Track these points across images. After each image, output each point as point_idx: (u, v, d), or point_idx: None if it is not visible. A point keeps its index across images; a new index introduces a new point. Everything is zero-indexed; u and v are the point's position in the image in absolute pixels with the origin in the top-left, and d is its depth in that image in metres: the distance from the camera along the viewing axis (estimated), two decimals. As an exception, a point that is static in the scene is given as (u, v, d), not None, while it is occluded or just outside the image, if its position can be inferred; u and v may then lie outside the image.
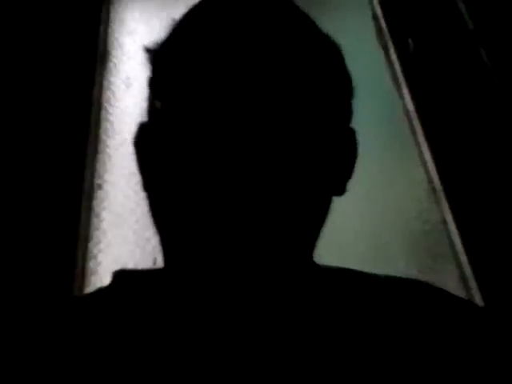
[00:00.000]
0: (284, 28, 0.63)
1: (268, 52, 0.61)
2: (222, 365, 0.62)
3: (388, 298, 0.67)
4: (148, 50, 0.66)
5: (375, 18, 3.58)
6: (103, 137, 3.03)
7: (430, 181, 2.93)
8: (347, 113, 0.67)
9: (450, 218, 2.77)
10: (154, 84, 0.65)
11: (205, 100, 0.60)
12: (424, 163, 3.00)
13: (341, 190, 0.67)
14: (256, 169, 0.59)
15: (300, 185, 0.61)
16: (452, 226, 2.74)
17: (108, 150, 2.98)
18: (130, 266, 2.50)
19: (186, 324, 0.63)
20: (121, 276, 0.69)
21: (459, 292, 2.49)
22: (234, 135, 0.59)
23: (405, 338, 0.65)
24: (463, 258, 2.64)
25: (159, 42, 0.66)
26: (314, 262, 0.67)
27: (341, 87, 0.65)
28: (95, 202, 2.78)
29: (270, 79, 0.60)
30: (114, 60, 3.37)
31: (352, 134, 0.67)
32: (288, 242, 0.62)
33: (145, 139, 0.66)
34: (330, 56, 0.65)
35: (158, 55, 0.65)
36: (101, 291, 0.68)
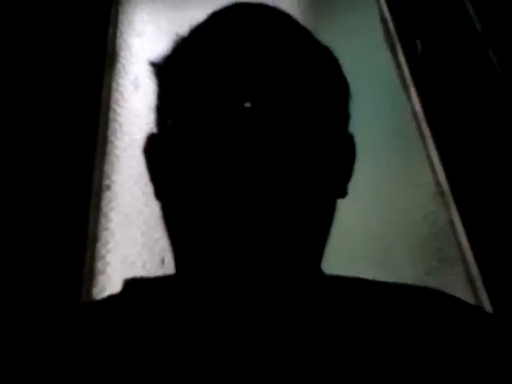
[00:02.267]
0: (285, 42, 0.66)
1: (271, 66, 0.63)
2: (233, 372, 0.62)
3: (397, 307, 0.67)
4: (154, 65, 0.68)
5: (383, 19, 3.58)
6: (111, 138, 3.03)
7: (438, 183, 2.92)
8: (345, 118, 0.69)
9: (457, 220, 2.76)
10: (163, 99, 0.67)
11: (212, 113, 0.62)
12: (432, 165, 2.99)
13: (342, 193, 0.68)
14: (263, 178, 0.60)
15: (304, 190, 0.62)
16: (459, 229, 2.74)
17: (116, 151, 2.98)
18: (138, 266, 2.51)
19: (197, 332, 0.64)
20: (132, 284, 0.69)
21: (467, 294, 2.48)
22: (241, 146, 0.61)
23: (415, 346, 0.65)
24: (471, 261, 2.64)
25: (165, 56, 0.67)
26: (322, 272, 0.67)
27: (338, 93, 0.68)
28: (103, 203, 2.79)
29: (274, 91, 0.63)
30: (123, 61, 3.38)
31: (350, 139, 0.69)
32: (298, 249, 0.62)
33: (155, 150, 0.67)
34: (327, 64, 0.68)
35: (164, 71, 0.67)
36: (111, 299, 0.69)
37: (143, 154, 0.69)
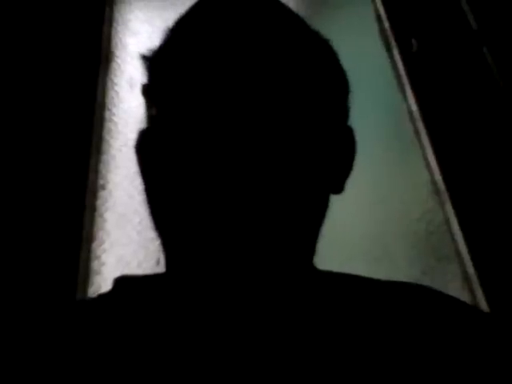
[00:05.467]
0: (277, 31, 0.63)
1: (262, 55, 0.61)
2: (224, 369, 0.62)
3: (389, 304, 0.67)
4: (144, 57, 0.67)
5: (378, 18, 3.58)
6: (107, 137, 3.03)
7: (434, 182, 2.93)
8: (343, 110, 0.67)
9: (453, 219, 2.77)
10: (150, 90, 0.66)
11: (201, 105, 0.60)
12: (427, 164, 2.99)
13: (339, 188, 0.67)
14: (253, 172, 0.59)
15: (297, 185, 0.61)
16: (456, 227, 2.74)
17: (111, 151, 2.98)
18: (134, 266, 2.50)
19: (187, 329, 0.63)
20: (122, 282, 0.69)
21: (463, 293, 2.48)
22: (230, 138, 0.59)
23: (406, 343, 0.64)
24: (467, 259, 2.64)
25: (155, 48, 0.67)
26: (314, 267, 0.67)
27: (336, 85, 0.66)
28: (99, 203, 2.78)
29: (265, 82, 0.60)
30: (118, 60, 3.37)
31: (349, 132, 0.67)
32: (288, 244, 0.62)
33: (145, 145, 0.66)
34: (323, 54, 0.66)
35: (153, 62, 0.66)
36: (102, 297, 0.68)
37: (134, 150, 0.68)
